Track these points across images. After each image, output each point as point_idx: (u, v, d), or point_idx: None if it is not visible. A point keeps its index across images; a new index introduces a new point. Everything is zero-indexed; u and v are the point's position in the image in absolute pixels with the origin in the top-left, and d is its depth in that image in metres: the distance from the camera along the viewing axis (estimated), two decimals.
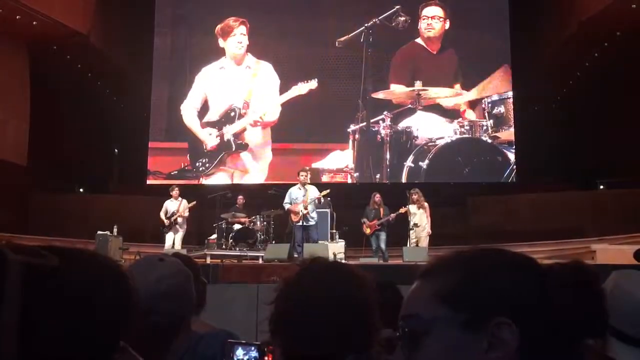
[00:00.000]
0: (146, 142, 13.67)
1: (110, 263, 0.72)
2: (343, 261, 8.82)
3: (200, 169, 13.37)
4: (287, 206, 10.20)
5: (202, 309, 2.13)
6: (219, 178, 13.33)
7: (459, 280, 0.77)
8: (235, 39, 13.58)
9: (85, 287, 0.65)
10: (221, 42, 13.68)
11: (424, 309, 0.77)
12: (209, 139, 13.32)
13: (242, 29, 13.59)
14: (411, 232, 10.22)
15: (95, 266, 0.69)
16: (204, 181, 13.30)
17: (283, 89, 13.39)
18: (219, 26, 13.66)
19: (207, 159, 13.37)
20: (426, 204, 10.36)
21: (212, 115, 13.50)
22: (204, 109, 13.59)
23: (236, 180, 13.27)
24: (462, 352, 0.73)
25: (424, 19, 13.38)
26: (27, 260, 0.59)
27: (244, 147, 13.36)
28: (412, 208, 10.33)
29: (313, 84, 13.05)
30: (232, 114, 13.42)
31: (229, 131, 13.31)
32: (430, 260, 0.84)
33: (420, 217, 10.23)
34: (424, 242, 10.25)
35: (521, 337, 0.71)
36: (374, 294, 1.29)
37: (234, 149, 13.33)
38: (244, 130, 13.35)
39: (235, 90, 13.51)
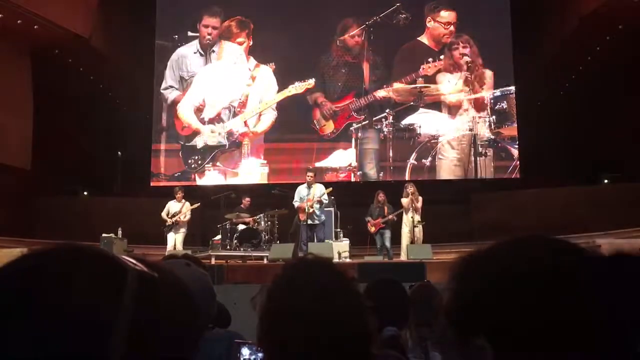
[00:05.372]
0: (149, 144, 13.70)
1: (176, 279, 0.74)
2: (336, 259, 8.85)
3: (192, 165, 13.40)
4: (296, 204, 10.37)
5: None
6: (213, 178, 13.36)
7: (459, 292, 0.74)
8: (232, 48, 13.57)
9: (174, 300, 0.68)
10: (223, 42, 13.70)
11: (442, 324, 0.77)
12: (211, 136, 13.33)
13: (241, 38, 13.62)
14: (416, 229, 10.22)
15: (174, 281, 0.72)
16: (205, 182, 13.32)
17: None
18: (224, 23, 13.67)
19: (199, 156, 13.39)
20: (420, 198, 10.37)
21: (209, 113, 13.52)
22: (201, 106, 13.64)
23: (229, 179, 13.30)
24: None
25: (446, 26, 13.32)
26: (142, 272, 0.63)
27: (238, 145, 13.37)
28: (405, 202, 10.36)
29: (310, 82, 13.10)
30: (228, 112, 13.43)
31: (224, 128, 13.33)
32: (454, 261, 0.79)
33: (413, 212, 10.25)
34: (421, 239, 10.31)
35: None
36: (361, 294, 1.23)
37: (227, 147, 13.34)
38: (235, 132, 13.37)
39: (233, 89, 13.50)
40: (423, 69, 12.88)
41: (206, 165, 13.38)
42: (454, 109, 13.09)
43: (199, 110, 13.47)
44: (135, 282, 0.61)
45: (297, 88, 13.18)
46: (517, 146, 12.89)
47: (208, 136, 13.34)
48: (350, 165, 13.11)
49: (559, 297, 0.67)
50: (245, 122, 13.42)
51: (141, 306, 0.60)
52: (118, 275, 0.61)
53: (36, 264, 0.60)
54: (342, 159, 13.18)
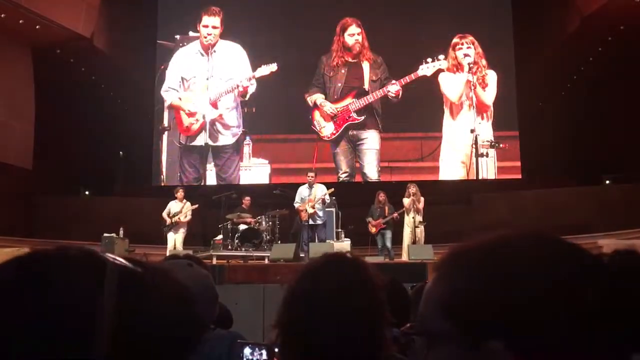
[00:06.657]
0: (150, 144, 13.71)
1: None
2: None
3: (194, 166, 13.35)
4: (297, 205, 10.38)
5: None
6: (214, 178, 13.35)
7: (460, 286, 0.65)
8: (232, 48, 13.55)
9: (167, 297, 0.67)
10: (224, 43, 13.70)
11: (428, 318, 0.67)
12: (212, 136, 13.27)
13: (241, 38, 13.64)
14: (417, 229, 10.23)
15: (167, 277, 0.71)
16: (206, 182, 13.30)
17: (283, 94, 13.43)
18: (224, 24, 13.65)
19: (200, 156, 13.34)
20: (422, 199, 10.38)
21: (210, 113, 13.42)
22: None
23: (230, 179, 13.28)
24: None
25: (442, 23, 13.40)
26: (124, 266, 0.63)
27: (239, 145, 13.36)
28: (407, 202, 10.36)
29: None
30: (229, 112, 13.41)
31: (225, 128, 13.34)
32: (443, 254, 0.71)
33: (415, 212, 10.26)
34: (422, 239, 10.32)
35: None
36: (384, 301, 1.24)
37: (228, 147, 13.33)
38: (236, 132, 13.39)
39: (233, 89, 13.47)
40: (422, 69, 12.84)
41: (207, 166, 13.36)
42: (455, 109, 13.06)
43: (200, 111, 13.44)
44: (116, 276, 0.60)
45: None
46: (518, 147, 12.87)
47: (209, 136, 13.30)
48: (351, 166, 13.08)
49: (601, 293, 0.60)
50: (244, 122, 13.38)
51: (125, 302, 0.60)
52: (97, 270, 0.60)
53: (15, 267, 0.60)
54: (342, 159, 13.16)
